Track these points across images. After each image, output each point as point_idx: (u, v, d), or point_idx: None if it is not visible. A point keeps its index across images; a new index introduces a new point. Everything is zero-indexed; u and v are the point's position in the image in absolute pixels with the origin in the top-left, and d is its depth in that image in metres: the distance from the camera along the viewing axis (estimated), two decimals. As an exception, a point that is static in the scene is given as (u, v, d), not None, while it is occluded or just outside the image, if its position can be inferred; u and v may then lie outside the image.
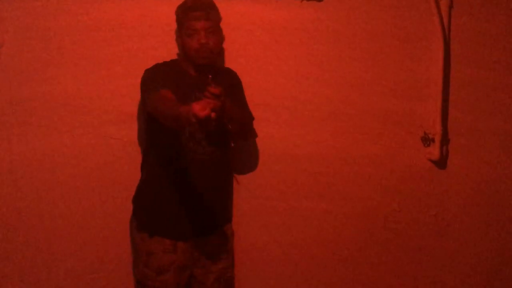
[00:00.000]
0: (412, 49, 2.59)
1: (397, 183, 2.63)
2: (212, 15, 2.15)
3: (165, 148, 2.18)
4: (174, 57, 2.36)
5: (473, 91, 2.65)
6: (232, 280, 2.38)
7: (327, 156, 2.57)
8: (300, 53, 2.52)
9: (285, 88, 2.52)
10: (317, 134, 2.55)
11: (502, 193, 2.70)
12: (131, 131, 2.42)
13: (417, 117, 2.62)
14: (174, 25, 2.23)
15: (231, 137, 2.22)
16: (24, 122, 2.35)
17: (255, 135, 2.42)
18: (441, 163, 2.65)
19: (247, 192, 2.52)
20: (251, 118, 2.34)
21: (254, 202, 2.53)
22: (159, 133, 2.13)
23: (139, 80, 2.14)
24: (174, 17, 2.20)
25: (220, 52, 2.36)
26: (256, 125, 2.37)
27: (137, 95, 2.20)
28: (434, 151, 2.60)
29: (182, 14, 2.16)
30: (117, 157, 2.41)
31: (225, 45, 2.33)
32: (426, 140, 2.62)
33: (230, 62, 2.45)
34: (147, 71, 2.15)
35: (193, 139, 2.17)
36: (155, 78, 2.10)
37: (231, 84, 2.29)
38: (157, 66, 2.19)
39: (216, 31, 2.17)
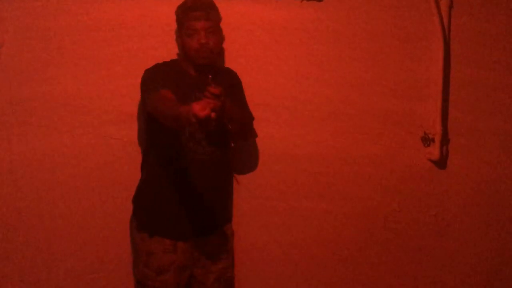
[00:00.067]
0: (412, 49, 2.59)
1: (397, 183, 2.63)
2: (212, 15, 2.15)
3: (165, 148, 2.18)
4: (174, 57, 2.36)
5: (473, 91, 2.65)
6: (232, 280, 2.38)
7: (327, 156, 2.57)
8: (300, 53, 2.52)
9: (285, 88, 2.52)
10: (317, 134, 2.55)
11: (502, 193, 2.70)
12: (131, 131, 2.42)
13: (417, 117, 2.62)
14: (174, 25, 2.23)
15: (231, 137, 2.22)
16: (24, 122, 2.35)
17: (255, 135, 2.42)
18: (441, 163, 2.65)
19: (247, 192, 2.52)
20: (251, 118, 2.34)
21: (254, 202, 2.53)
22: (159, 133, 2.13)
23: (139, 80, 2.14)
24: (174, 17, 2.20)
25: (220, 52, 2.36)
26: (256, 125, 2.37)
27: (137, 95, 2.20)
28: (434, 151, 2.60)
29: (182, 14, 2.16)
30: (117, 157, 2.41)
31: (225, 45, 2.33)
32: (426, 140, 2.62)
33: (230, 62, 2.45)
34: (147, 71, 2.16)
35: (193, 139, 2.17)
36: (155, 78, 2.10)
37: (231, 84, 2.29)
38: (157, 66, 2.19)
39: (216, 31, 2.17)
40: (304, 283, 2.61)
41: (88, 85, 2.37)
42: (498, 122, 2.67)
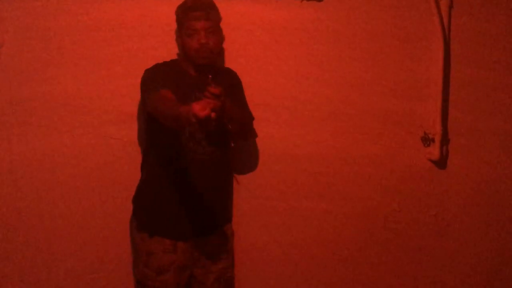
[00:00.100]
0: (412, 49, 2.59)
1: (397, 183, 2.63)
2: (212, 15, 2.15)
3: (165, 148, 2.18)
4: (174, 57, 2.36)
5: (473, 91, 2.65)
6: (232, 280, 2.38)
7: (327, 156, 2.57)
8: (300, 53, 2.52)
9: (285, 88, 2.52)
10: (317, 134, 2.55)
11: (502, 193, 2.70)
12: (131, 131, 2.41)
13: (417, 117, 2.62)
14: (174, 25, 2.23)
15: (231, 137, 2.22)
16: (24, 122, 2.35)
17: (255, 135, 2.42)
18: (441, 163, 2.65)
19: (247, 192, 2.52)
20: (251, 118, 2.34)
21: (254, 202, 2.53)
22: (159, 133, 2.13)
23: (139, 80, 2.14)
24: (174, 17, 2.20)
25: (220, 52, 2.36)
26: (256, 125, 2.37)
27: (137, 95, 2.20)
28: (434, 151, 2.60)
29: (182, 14, 2.16)
30: (117, 157, 2.41)
31: (225, 45, 2.33)
32: (426, 140, 2.62)
33: (230, 62, 2.45)
34: (147, 71, 2.15)
35: (193, 139, 2.17)
36: (155, 78, 2.10)
37: (231, 84, 2.29)
38: (157, 66, 2.19)
39: (216, 31, 2.17)
40: (304, 283, 2.61)
41: (88, 85, 2.37)
42: (498, 122, 2.67)
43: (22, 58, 2.33)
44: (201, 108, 1.63)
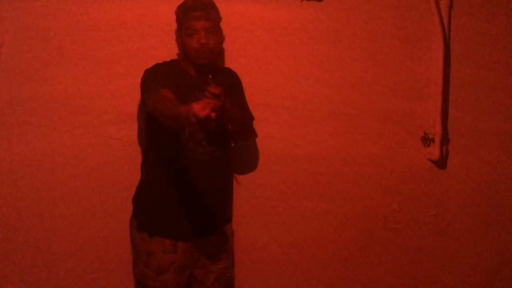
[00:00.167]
0: (412, 49, 2.59)
1: (397, 183, 2.63)
2: (212, 15, 2.15)
3: (165, 148, 2.18)
4: (174, 57, 2.36)
5: (473, 91, 2.65)
6: (232, 280, 2.38)
7: (327, 156, 2.57)
8: (300, 53, 2.52)
9: (285, 88, 2.52)
10: (317, 134, 2.55)
11: (502, 193, 2.70)
12: (131, 131, 2.41)
13: (417, 117, 2.62)
14: (174, 25, 2.23)
15: (231, 137, 2.22)
16: (24, 122, 2.35)
17: (255, 135, 2.42)
18: (441, 163, 2.65)
19: (247, 192, 2.52)
20: (251, 118, 2.34)
21: (254, 202, 2.53)
22: (159, 133, 2.13)
23: (139, 80, 2.14)
24: (174, 17, 2.20)
25: (220, 52, 2.36)
26: (256, 125, 2.37)
27: (137, 95, 2.20)
28: (434, 151, 2.60)
29: (182, 14, 2.16)
30: (117, 157, 2.41)
31: (225, 45, 2.33)
32: (426, 140, 2.62)
33: (230, 62, 2.45)
34: (147, 71, 2.15)
35: (193, 139, 2.17)
36: (155, 78, 2.10)
37: (231, 84, 2.29)
38: (157, 66, 2.19)
39: (216, 31, 2.17)
40: (304, 283, 2.61)
41: (88, 85, 2.37)
42: (498, 122, 2.67)
43: (22, 58, 2.33)
44: (201, 108, 1.63)
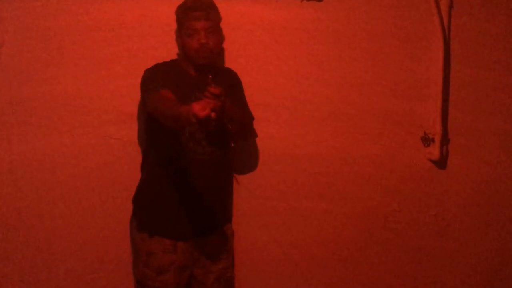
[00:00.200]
0: (412, 49, 2.59)
1: (397, 183, 2.63)
2: (212, 15, 2.15)
3: (165, 148, 2.18)
4: (174, 57, 2.36)
5: (473, 91, 2.65)
6: (232, 280, 2.38)
7: (327, 156, 2.57)
8: (300, 53, 2.52)
9: (285, 88, 2.52)
10: (317, 134, 2.55)
11: (502, 193, 2.70)
12: (131, 131, 2.41)
13: (417, 117, 2.62)
14: (174, 25, 2.23)
15: (231, 137, 2.22)
16: (24, 122, 2.35)
17: (255, 135, 2.42)
18: (441, 163, 2.65)
19: (247, 192, 2.52)
20: (251, 118, 2.34)
21: (254, 202, 2.53)
22: (159, 133, 2.13)
23: (139, 80, 2.14)
24: (174, 17, 2.20)
25: (220, 52, 2.36)
26: (256, 125, 2.37)
27: (137, 95, 2.20)
28: (434, 151, 2.60)
29: (182, 14, 2.16)
30: (117, 157, 2.41)
31: (225, 45, 2.33)
32: (426, 140, 2.62)
33: (230, 62, 2.45)
34: (147, 71, 2.16)
35: (193, 139, 2.17)
36: (155, 78, 2.10)
37: (231, 84, 2.29)
38: (157, 66, 2.19)
39: (216, 31, 2.17)
40: (304, 283, 2.61)
41: (88, 85, 2.37)
42: (498, 122, 2.67)
43: (22, 58, 2.33)
44: (201, 108, 1.63)
